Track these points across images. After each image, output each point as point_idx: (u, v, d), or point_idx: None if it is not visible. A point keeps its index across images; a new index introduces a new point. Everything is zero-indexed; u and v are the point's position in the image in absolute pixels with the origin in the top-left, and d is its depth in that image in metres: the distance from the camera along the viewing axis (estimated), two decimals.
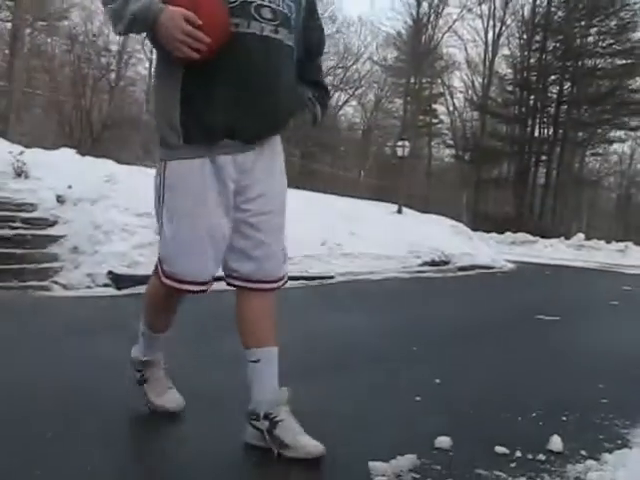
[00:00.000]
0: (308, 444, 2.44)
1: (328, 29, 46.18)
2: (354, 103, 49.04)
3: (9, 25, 30.71)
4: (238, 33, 2.27)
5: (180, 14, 2.15)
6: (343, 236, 11.65)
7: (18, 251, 7.16)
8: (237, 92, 2.30)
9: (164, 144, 2.42)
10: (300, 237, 10.43)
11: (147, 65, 47.23)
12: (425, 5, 42.19)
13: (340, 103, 48.55)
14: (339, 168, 43.60)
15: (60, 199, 8.11)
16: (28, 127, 28.16)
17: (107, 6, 2.27)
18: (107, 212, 7.98)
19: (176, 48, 2.19)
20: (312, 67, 2.68)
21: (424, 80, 42.81)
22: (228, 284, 2.56)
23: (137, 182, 8.23)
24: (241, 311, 2.57)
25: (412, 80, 41.88)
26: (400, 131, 37.87)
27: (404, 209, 18.80)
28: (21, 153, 8.83)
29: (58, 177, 8.46)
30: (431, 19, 42.94)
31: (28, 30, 27.99)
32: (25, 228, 7.61)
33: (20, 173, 8.58)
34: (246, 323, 2.57)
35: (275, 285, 2.57)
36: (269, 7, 2.34)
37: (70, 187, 8.20)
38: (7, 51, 29.84)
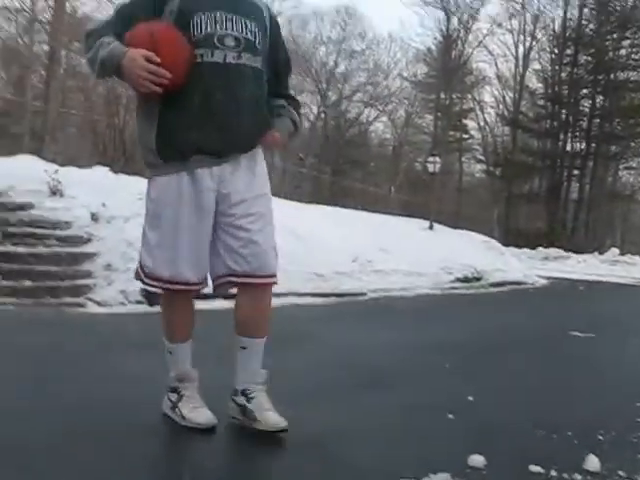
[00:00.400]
0: (273, 418, 2.72)
1: (358, 46, 46.56)
2: (384, 119, 49.15)
3: (46, 47, 31.31)
4: (202, 63, 2.59)
5: (140, 54, 2.46)
6: (374, 253, 11.64)
7: (53, 268, 7.27)
8: (202, 114, 2.60)
9: (147, 164, 2.74)
10: (331, 254, 10.46)
11: None
12: (455, 21, 42.27)
13: (370, 119, 48.72)
14: (370, 184, 43.59)
15: (94, 217, 8.22)
16: (63, 146, 28.58)
17: (85, 55, 2.66)
18: (140, 229, 8.04)
19: (139, 84, 2.51)
20: (281, 83, 2.96)
21: (454, 95, 42.73)
22: (228, 283, 2.78)
23: None
24: (237, 304, 2.82)
25: (442, 96, 41.86)
26: (431, 147, 37.83)
27: (435, 225, 18.73)
28: (56, 172, 8.99)
29: (92, 195, 8.58)
30: (461, 34, 42.97)
31: (64, 52, 28.42)
32: (60, 246, 7.73)
33: (55, 191, 8.72)
34: (239, 314, 2.81)
35: (268, 280, 2.80)
36: (232, 35, 2.63)
37: (104, 205, 8.31)
38: (44, 72, 30.39)
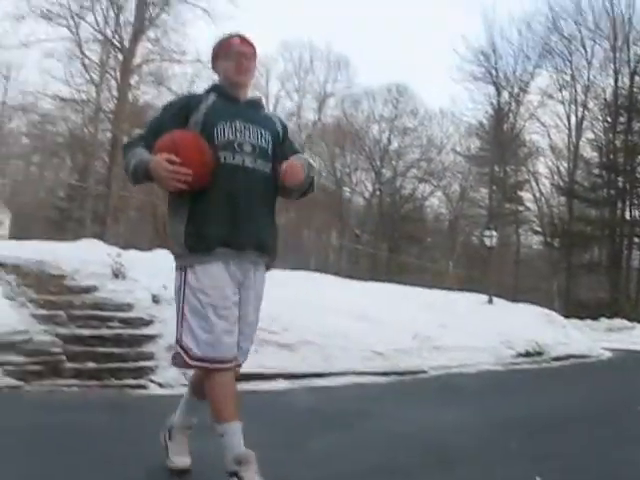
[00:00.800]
0: None
1: (410, 123, 47.16)
2: (439, 194, 49.38)
3: (109, 135, 32.55)
4: (225, 164, 2.96)
5: (162, 158, 2.82)
6: (434, 329, 11.54)
7: (116, 350, 7.38)
8: (225, 210, 2.95)
9: (176, 255, 3.05)
10: (390, 331, 10.41)
11: None
12: (505, 94, 42.63)
13: (425, 195, 48.92)
14: (427, 260, 43.43)
15: (155, 299, 8.36)
16: (124, 229, 29.32)
17: (123, 165, 3.09)
18: None
19: (166, 184, 2.86)
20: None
21: (508, 168, 42.70)
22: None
23: None
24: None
25: (496, 168, 41.91)
26: (487, 220, 37.69)
27: (494, 299, 18.50)
28: (119, 255, 9.22)
29: (153, 277, 8.75)
30: (512, 107, 43.22)
31: (126, 138, 29.54)
32: (122, 327, 7.86)
33: (118, 274, 8.93)
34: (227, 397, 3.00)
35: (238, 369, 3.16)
36: (249, 143, 3.02)
37: (165, 287, 8.46)
38: (106, 159, 31.53)
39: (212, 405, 3.00)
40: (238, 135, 3.02)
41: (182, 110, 3.06)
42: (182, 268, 3.00)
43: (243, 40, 3.26)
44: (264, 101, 3.30)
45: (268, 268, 3.21)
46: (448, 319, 12.52)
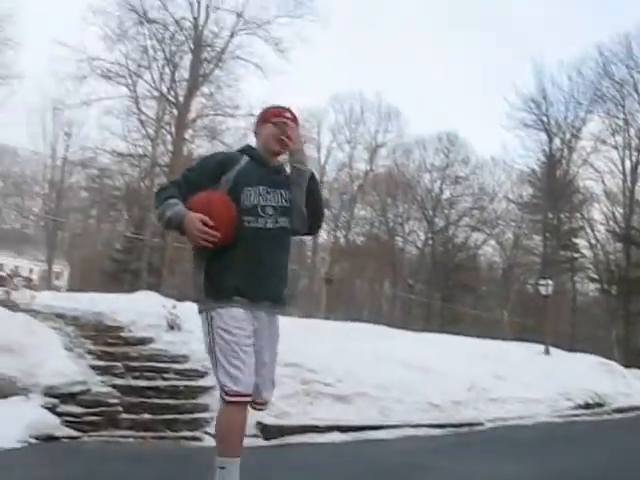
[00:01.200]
0: None
1: (462, 171, 47.12)
2: (492, 242, 48.88)
3: None
4: (249, 227, 3.28)
5: (196, 218, 3.15)
6: (490, 380, 11.36)
7: (171, 402, 7.45)
8: (244, 266, 3.25)
9: (197, 302, 3.38)
10: (445, 382, 10.29)
11: None
12: (557, 141, 42.25)
13: (478, 243, 48.52)
14: (481, 309, 42.91)
15: None
16: (179, 280, 29.67)
17: (155, 209, 3.37)
18: None
19: (195, 241, 3.20)
20: (312, 219, 3.50)
21: (562, 215, 42.14)
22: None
23: (283, 332, 8.43)
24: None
25: (550, 216, 41.39)
26: (541, 268, 37.16)
27: (551, 348, 18.15)
28: (174, 307, 9.34)
29: None
30: (564, 154, 42.78)
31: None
32: (178, 379, 7.94)
33: (173, 326, 9.05)
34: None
35: (263, 407, 3.49)
36: (272, 206, 3.35)
37: None
38: None
39: (222, 437, 3.27)
40: (261, 200, 3.34)
41: (217, 170, 3.37)
42: (206, 312, 3.33)
43: (292, 115, 3.50)
44: (309, 157, 3.57)
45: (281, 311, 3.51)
46: (504, 370, 12.31)
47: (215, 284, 3.28)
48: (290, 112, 3.50)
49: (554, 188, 40.11)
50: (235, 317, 3.25)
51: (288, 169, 3.52)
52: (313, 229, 3.57)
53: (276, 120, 3.44)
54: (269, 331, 3.40)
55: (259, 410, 3.52)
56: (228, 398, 3.22)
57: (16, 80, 33.54)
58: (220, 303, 3.27)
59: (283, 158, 3.55)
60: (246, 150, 3.52)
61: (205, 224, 3.14)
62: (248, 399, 3.25)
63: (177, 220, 3.21)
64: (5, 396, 6.44)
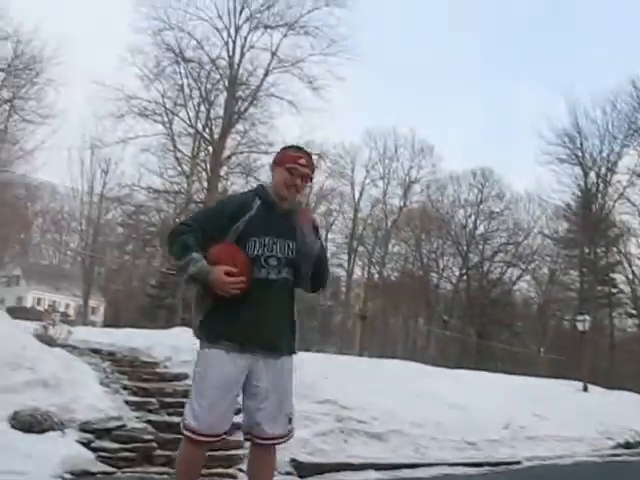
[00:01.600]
0: None
1: (496, 207, 46.92)
2: (528, 278, 48.44)
3: None
4: (256, 277, 3.30)
5: (221, 271, 3.22)
6: (527, 418, 11.19)
7: None
8: (242, 315, 3.30)
9: (199, 340, 3.43)
10: (481, 420, 10.15)
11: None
12: (592, 175, 41.92)
13: (514, 279, 48.08)
14: (517, 345, 42.38)
15: None
16: None
17: (175, 261, 3.39)
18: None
19: (222, 292, 3.24)
20: (315, 277, 3.50)
21: (599, 249, 41.67)
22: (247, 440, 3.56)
23: (317, 369, 8.44)
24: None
25: (586, 250, 40.95)
26: (578, 304, 36.67)
27: (589, 386, 17.84)
28: None
29: None
30: (600, 188, 42.42)
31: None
32: None
33: None
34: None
35: (274, 441, 3.49)
36: (275, 256, 3.37)
37: None
38: None
39: (177, 469, 3.45)
40: (266, 250, 3.37)
41: (232, 219, 3.39)
42: (197, 351, 3.46)
43: (308, 161, 3.50)
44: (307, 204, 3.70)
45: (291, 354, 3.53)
46: (541, 407, 12.13)
47: (207, 326, 3.38)
48: (306, 157, 3.50)
49: (590, 222, 39.74)
50: (215, 358, 3.32)
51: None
52: (316, 286, 3.59)
53: (289, 167, 3.44)
54: (273, 372, 3.41)
55: (272, 444, 3.52)
56: (184, 432, 3.33)
57: (57, 119, 34.23)
58: (207, 344, 3.37)
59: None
60: (259, 192, 3.54)
61: (230, 274, 3.23)
62: (204, 439, 3.33)
63: (202, 277, 3.27)
64: (42, 431, 6.47)
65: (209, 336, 3.36)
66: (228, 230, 3.37)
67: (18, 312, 23.95)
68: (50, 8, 58.08)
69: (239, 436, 7.46)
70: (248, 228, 3.38)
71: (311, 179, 3.54)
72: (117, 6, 71.06)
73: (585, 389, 17.55)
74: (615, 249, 42.91)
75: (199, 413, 3.30)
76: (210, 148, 33.80)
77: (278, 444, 3.53)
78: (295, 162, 3.45)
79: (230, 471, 6.95)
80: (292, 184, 3.43)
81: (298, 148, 3.58)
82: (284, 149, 3.62)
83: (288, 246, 3.42)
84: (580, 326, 20.54)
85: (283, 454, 7.12)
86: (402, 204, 49.24)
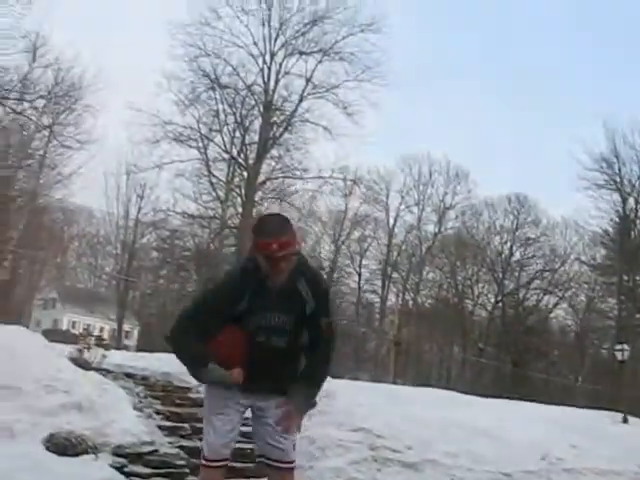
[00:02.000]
0: None
1: (532, 233, 46.51)
2: (564, 305, 47.83)
3: (233, 249, 33.74)
4: (254, 341, 3.51)
5: (238, 373, 3.43)
6: (564, 449, 10.93)
7: (237, 465, 7.32)
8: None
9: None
10: (517, 451, 9.95)
11: (356, 279, 49.52)
12: (631, 201, 41.42)
13: (550, 306, 47.49)
14: (553, 374, 41.77)
15: None
16: None
17: (184, 366, 3.62)
18: (323, 428, 8.08)
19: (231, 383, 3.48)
20: (316, 349, 3.68)
21: (638, 277, 41.04)
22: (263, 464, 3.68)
23: (352, 397, 8.36)
24: None
25: (625, 278, 40.36)
26: (616, 332, 36.08)
27: (629, 417, 17.45)
28: None
29: None
30: (639, 214, 41.88)
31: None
32: (244, 442, 7.83)
33: None
34: None
35: (289, 465, 3.61)
36: (274, 327, 3.54)
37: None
38: None
39: None
40: (263, 322, 3.54)
41: (233, 306, 3.51)
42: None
43: (282, 243, 3.37)
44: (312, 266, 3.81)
45: None
46: (579, 439, 11.85)
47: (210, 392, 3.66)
48: (277, 242, 3.36)
49: (629, 249, 39.23)
50: (219, 392, 3.56)
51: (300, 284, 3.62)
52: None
53: (265, 254, 3.39)
54: (276, 403, 3.61)
55: (289, 468, 3.64)
56: (202, 461, 3.59)
57: (95, 145, 34.79)
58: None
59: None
60: (254, 270, 3.51)
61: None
62: (214, 464, 3.55)
63: (224, 380, 3.48)
64: (76, 454, 6.48)
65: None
66: (235, 307, 3.53)
67: (54, 335, 24.25)
68: (90, 36, 59.40)
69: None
70: (249, 308, 3.54)
71: (293, 249, 3.47)
72: (154, 34, 72.27)
73: (625, 420, 17.15)
74: None
75: (207, 440, 3.57)
76: (245, 173, 34.08)
77: (292, 468, 3.67)
78: (267, 249, 3.36)
79: None
80: (274, 266, 3.43)
81: (268, 233, 3.40)
82: (255, 234, 3.48)
83: (284, 321, 3.60)
84: (619, 355, 20.20)
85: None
86: (437, 230, 49.16)
